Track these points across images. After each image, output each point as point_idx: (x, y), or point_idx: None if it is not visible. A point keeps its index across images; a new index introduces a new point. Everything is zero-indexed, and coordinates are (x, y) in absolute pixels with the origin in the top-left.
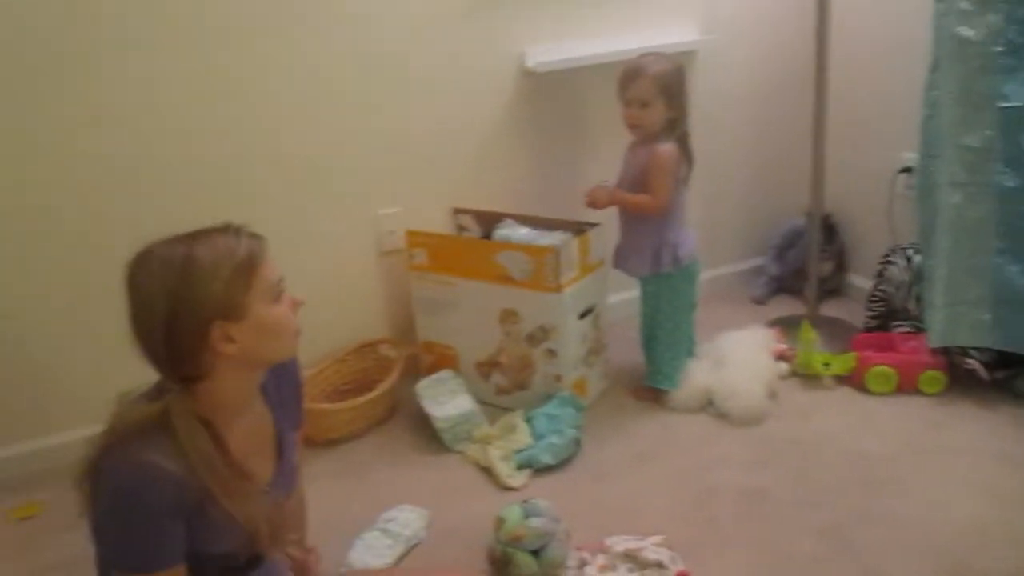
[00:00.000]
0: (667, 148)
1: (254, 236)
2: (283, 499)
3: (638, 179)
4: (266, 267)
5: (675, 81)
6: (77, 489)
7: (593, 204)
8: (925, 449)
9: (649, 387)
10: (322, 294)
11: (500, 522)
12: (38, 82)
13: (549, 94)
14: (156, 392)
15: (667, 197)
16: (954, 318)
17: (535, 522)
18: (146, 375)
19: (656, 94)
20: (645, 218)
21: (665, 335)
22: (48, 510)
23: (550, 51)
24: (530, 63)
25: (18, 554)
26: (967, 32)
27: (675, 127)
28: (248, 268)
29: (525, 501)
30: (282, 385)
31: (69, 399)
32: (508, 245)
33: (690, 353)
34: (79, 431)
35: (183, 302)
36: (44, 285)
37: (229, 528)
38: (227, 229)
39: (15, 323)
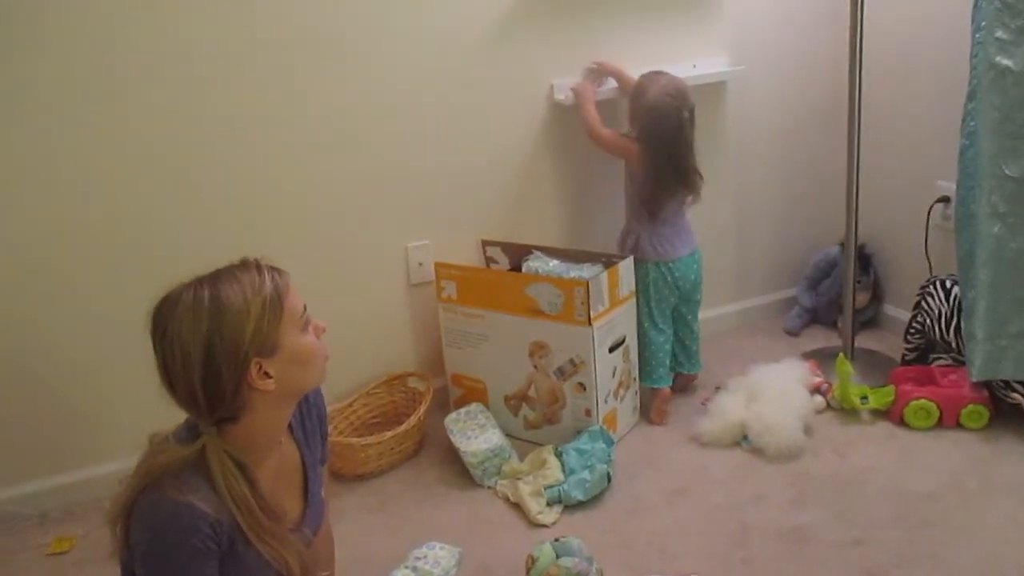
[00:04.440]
0: (629, 138)
1: (274, 269)
2: (312, 536)
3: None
4: (292, 298)
5: (633, 100)
6: (110, 530)
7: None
8: (970, 486)
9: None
10: (351, 327)
11: (532, 561)
12: (77, 126)
13: (577, 126)
14: (187, 432)
15: (599, 136)
16: (997, 351)
17: (567, 561)
18: (179, 411)
19: (629, 103)
20: (626, 206)
21: (643, 328)
22: (81, 545)
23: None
24: (559, 95)
25: None
26: (1006, 61)
27: (638, 138)
28: (276, 302)
29: (557, 539)
30: (306, 420)
31: (103, 433)
32: (538, 278)
33: (666, 354)
34: (113, 465)
35: (219, 344)
36: (79, 320)
37: (260, 568)
38: (247, 265)
39: (50, 357)
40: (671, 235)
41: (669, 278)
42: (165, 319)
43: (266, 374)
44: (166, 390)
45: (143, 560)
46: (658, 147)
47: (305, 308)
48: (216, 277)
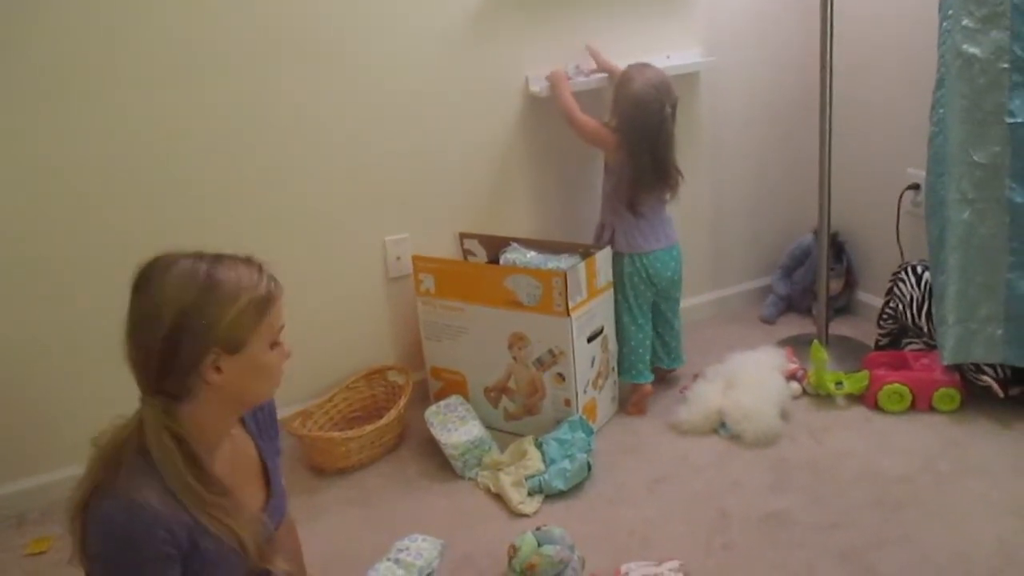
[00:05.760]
0: (607, 128)
1: (273, 278)
2: (275, 528)
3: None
4: (276, 311)
5: (621, 91)
6: (69, 532)
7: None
8: (943, 468)
9: (631, 387)
10: (330, 321)
11: (514, 550)
12: (36, 132)
13: (553, 118)
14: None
15: (577, 122)
16: (967, 335)
17: (549, 550)
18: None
19: (613, 93)
20: (602, 200)
21: (623, 323)
22: (58, 545)
23: None
24: (534, 87)
25: None
26: (972, 49)
27: (619, 128)
28: (263, 307)
29: (539, 528)
30: (258, 412)
31: (80, 433)
32: (516, 269)
33: (646, 349)
34: None
35: (193, 319)
36: (55, 320)
37: (225, 561)
38: (250, 262)
39: (24, 356)
40: (646, 228)
41: (643, 272)
42: (156, 273)
43: (218, 368)
44: (125, 342)
45: (101, 567)
46: (639, 139)
47: (283, 327)
48: (217, 259)
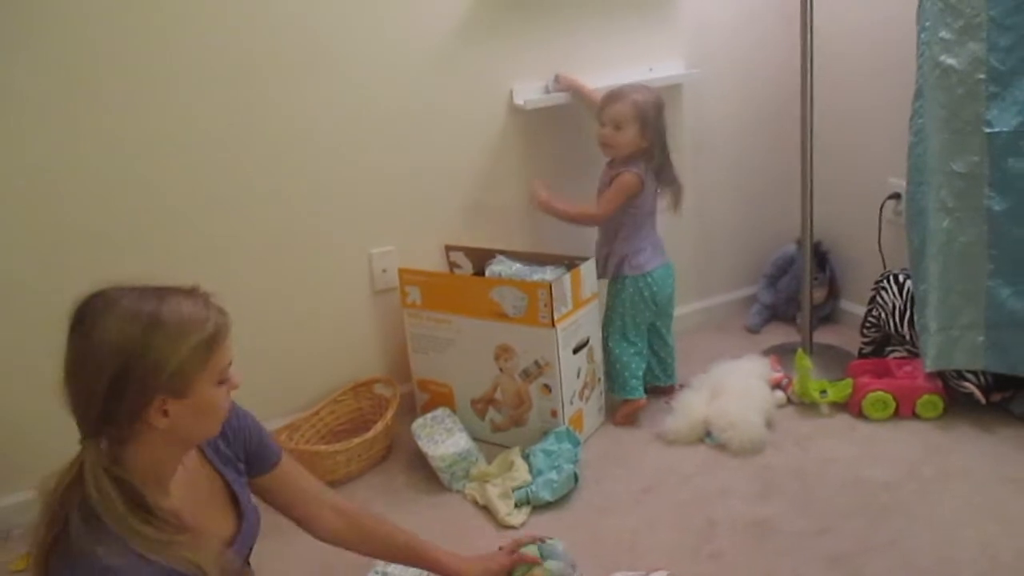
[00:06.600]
0: (632, 173)
1: (221, 312)
2: (249, 550)
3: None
4: (224, 348)
5: (651, 112)
6: None
7: (535, 199)
8: (928, 474)
9: (623, 400)
10: (316, 333)
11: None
12: (22, 144)
13: (538, 130)
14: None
15: (607, 212)
16: (949, 342)
17: (553, 565)
18: None
19: (631, 119)
20: (603, 228)
21: (612, 343)
22: None
23: (538, 88)
24: (518, 100)
25: None
26: (950, 60)
27: (647, 156)
28: (210, 346)
29: (543, 541)
30: (220, 445)
31: (66, 447)
32: (502, 281)
33: (645, 360)
34: None
35: (137, 367)
36: (34, 334)
37: None
38: (195, 294)
39: (11, 366)
40: (650, 244)
41: (646, 292)
42: (96, 314)
43: (165, 412)
44: (64, 386)
45: None
46: (665, 140)
47: (231, 362)
48: (161, 296)
